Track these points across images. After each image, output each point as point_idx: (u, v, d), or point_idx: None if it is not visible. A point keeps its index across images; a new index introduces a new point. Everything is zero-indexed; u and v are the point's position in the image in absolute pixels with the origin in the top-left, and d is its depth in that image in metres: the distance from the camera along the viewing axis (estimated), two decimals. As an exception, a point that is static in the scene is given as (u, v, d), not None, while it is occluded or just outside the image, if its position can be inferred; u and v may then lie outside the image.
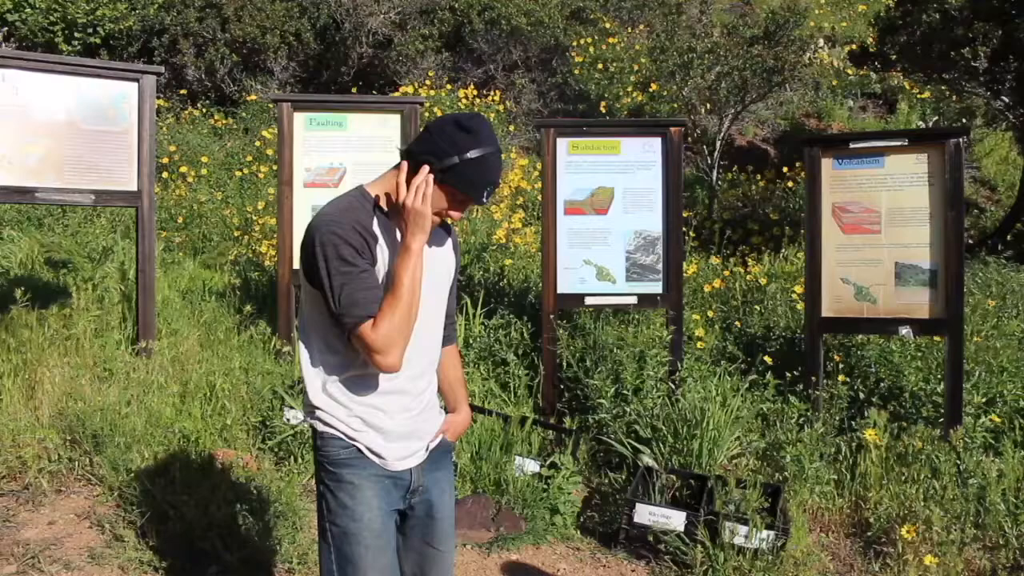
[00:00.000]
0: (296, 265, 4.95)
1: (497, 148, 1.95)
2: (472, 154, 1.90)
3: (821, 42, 10.74)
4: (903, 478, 3.87)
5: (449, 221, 2.04)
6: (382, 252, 1.97)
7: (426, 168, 1.92)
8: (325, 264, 1.88)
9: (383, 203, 2.00)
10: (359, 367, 1.99)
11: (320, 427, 2.02)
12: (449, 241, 2.20)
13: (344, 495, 2.00)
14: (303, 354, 2.04)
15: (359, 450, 2.00)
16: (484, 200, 1.98)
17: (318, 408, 2.02)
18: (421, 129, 2.03)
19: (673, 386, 4.50)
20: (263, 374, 4.56)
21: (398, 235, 1.98)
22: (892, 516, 3.73)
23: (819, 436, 4.07)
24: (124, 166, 4.70)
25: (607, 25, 10.62)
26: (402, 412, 2.04)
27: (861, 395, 4.55)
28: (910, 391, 4.60)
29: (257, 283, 6.40)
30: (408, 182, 1.93)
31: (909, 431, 4.06)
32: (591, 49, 10.20)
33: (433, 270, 2.06)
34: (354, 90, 10.07)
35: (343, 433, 2.00)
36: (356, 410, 2.00)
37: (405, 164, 1.96)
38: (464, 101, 9.82)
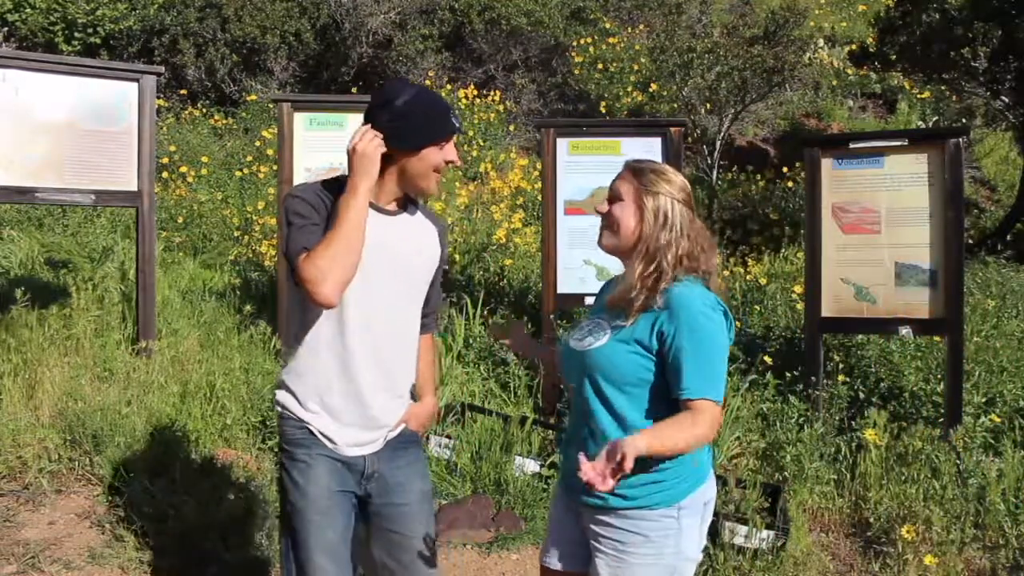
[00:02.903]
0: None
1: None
2: (403, 95, 2.00)
3: (821, 42, 10.74)
4: (903, 478, 3.86)
5: (453, 167, 2.18)
6: None
7: (365, 124, 2.00)
8: (286, 225, 1.97)
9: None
10: (321, 351, 2.04)
11: (278, 408, 2.11)
12: (435, 231, 2.21)
13: (296, 472, 2.05)
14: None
15: (311, 432, 2.06)
16: (457, 125, 2.04)
17: (279, 389, 2.12)
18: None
19: (673, 386, 4.49)
20: (263, 374, 4.56)
21: (374, 215, 2.02)
22: (892, 516, 3.73)
23: (819, 436, 4.07)
24: (124, 166, 4.69)
25: (607, 25, 10.62)
26: (357, 400, 2.06)
27: (861, 395, 4.55)
28: (910, 391, 4.60)
29: (257, 283, 6.40)
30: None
31: (909, 431, 4.05)
32: (591, 49, 10.19)
33: (407, 264, 2.11)
34: (354, 90, 10.06)
35: (296, 415, 2.07)
36: (312, 395, 2.06)
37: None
38: (464, 101, 9.82)
